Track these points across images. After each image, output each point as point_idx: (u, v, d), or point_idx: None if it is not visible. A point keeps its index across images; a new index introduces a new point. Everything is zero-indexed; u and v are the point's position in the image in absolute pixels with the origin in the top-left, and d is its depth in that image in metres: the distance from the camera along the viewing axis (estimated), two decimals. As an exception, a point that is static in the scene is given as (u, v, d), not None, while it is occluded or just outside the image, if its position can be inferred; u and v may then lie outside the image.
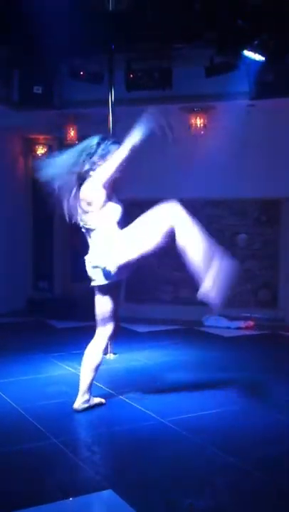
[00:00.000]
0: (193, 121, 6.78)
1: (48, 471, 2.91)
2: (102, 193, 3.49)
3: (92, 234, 3.55)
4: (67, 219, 3.57)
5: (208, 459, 3.06)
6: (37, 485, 2.77)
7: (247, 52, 5.46)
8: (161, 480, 2.81)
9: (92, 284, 3.54)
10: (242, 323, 6.73)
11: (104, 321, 3.63)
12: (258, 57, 5.53)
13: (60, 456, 3.07)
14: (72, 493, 2.68)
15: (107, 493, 2.67)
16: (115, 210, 3.55)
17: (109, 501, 2.65)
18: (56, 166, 3.57)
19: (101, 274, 3.44)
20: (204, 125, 6.77)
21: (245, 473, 2.88)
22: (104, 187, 3.48)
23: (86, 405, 3.68)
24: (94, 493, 2.67)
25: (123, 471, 2.95)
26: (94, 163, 3.54)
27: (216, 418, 3.61)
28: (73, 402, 3.69)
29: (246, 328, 6.69)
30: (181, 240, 3.39)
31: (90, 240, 3.60)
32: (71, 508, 2.62)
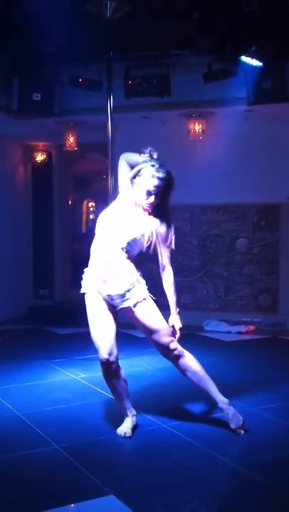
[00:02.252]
0: (191, 127, 6.82)
1: (50, 477, 2.91)
2: None
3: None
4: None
5: (209, 464, 3.06)
6: (38, 491, 2.78)
7: (245, 58, 5.50)
8: (163, 485, 2.81)
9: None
10: (242, 328, 6.74)
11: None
12: (256, 63, 5.57)
13: (62, 462, 3.08)
14: (74, 498, 2.68)
15: (109, 499, 2.67)
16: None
17: (111, 507, 2.65)
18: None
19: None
20: (203, 131, 6.81)
21: (246, 478, 2.89)
22: None
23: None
24: (96, 499, 2.67)
25: (125, 476, 2.95)
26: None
27: (217, 423, 3.60)
28: (75, 408, 3.68)
29: (247, 332, 6.70)
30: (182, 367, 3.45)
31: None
32: (73, 514, 2.62)
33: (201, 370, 3.46)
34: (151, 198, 3.27)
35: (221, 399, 3.45)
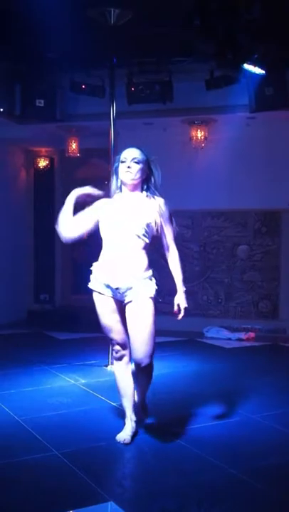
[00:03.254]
0: (194, 133, 6.83)
1: (49, 483, 2.91)
2: None
3: None
4: None
5: (209, 470, 3.05)
6: (37, 497, 2.77)
7: (247, 66, 5.51)
8: (162, 491, 2.80)
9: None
10: (243, 335, 6.73)
11: None
12: (258, 70, 5.58)
13: (61, 467, 3.07)
14: (73, 505, 2.67)
15: (109, 506, 2.66)
16: None
17: (110, 513, 2.64)
18: None
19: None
20: (205, 137, 6.82)
21: (246, 485, 2.88)
22: None
23: None
24: (95, 506, 2.66)
25: (124, 482, 2.95)
26: None
27: (218, 430, 3.60)
28: (74, 414, 3.68)
29: (247, 339, 6.69)
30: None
31: None
32: (72, 520, 2.62)
33: (145, 387, 3.52)
34: (125, 166, 3.31)
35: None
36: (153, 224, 3.32)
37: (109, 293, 3.33)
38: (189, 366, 5.40)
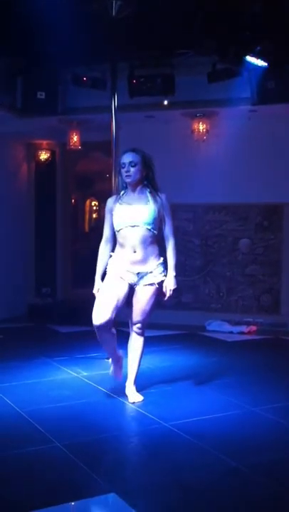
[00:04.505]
0: (195, 126, 6.81)
1: (51, 475, 2.92)
2: None
3: None
4: None
5: (210, 463, 3.06)
6: (39, 488, 2.78)
7: (249, 58, 5.49)
8: (163, 483, 2.82)
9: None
10: (244, 328, 6.74)
11: None
12: (261, 62, 5.56)
13: (63, 459, 3.08)
14: (75, 496, 2.69)
15: (111, 497, 2.67)
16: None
17: (112, 505, 2.66)
18: None
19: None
20: (207, 131, 6.80)
21: (247, 478, 2.89)
22: None
23: None
24: (97, 497, 2.68)
25: (126, 474, 2.96)
26: None
27: (219, 422, 3.62)
28: (76, 406, 3.69)
29: (249, 333, 6.70)
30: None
31: None
32: (74, 512, 2.63)
33: (139, 353, 4.09)
34: (125, 170, 3.83)
35: (130, 379, 4.07)
36: (158, 217, 3.85)
37: (129, 278, 3.86)
38: (191, 359, 5.41)
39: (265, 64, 5.56)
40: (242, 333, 6.67)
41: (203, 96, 6.19)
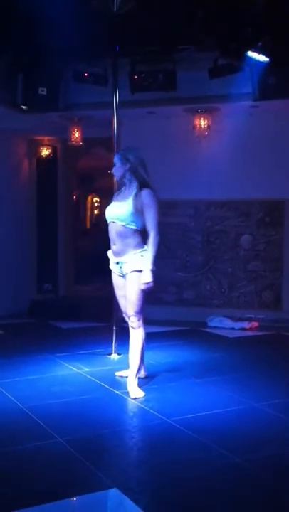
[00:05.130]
0: (197, 122, 6.80)
1: (53, 470, 2.93)
2: None
3: None
4: None
5: (211, 458, 3.07)
6: (41, 483, 2.80)
7: (251, 53, 5.47)
8: (165, 478, 2.83)
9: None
10: (246, 324, 6.74)
11: None
12: (262, 58, 5.54)
13: (65, 455, 3.09)
14: (77, 491, 2.70)
15: (112, 492, 2.68)
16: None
17: (114, 500, 2.67)
18: None
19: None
20: (208, 126, 6.79)
21: (249, 473, 2.90)
22: None
23: None
24: (99, 492, 2.69)
25: (127, 469, 2.97)
26: None
27: (220, 418, 3.62)
28: (78, 402, 3.70)
29: (250, 329, 6.70)
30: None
31: None
32: (76, 507, 2.64)
33: (137, 347, 4.15)
34: (114, 168, 4.18)
35: (131, 374, 4.12)
36: (135, 213, 4.01)
37: (116, 269, 4.20)
38: (192, 355, 5.42)
39: (267, 59, 5.53)
40: (243, 329, 6.68)
41: (204, 92, 6.18)
